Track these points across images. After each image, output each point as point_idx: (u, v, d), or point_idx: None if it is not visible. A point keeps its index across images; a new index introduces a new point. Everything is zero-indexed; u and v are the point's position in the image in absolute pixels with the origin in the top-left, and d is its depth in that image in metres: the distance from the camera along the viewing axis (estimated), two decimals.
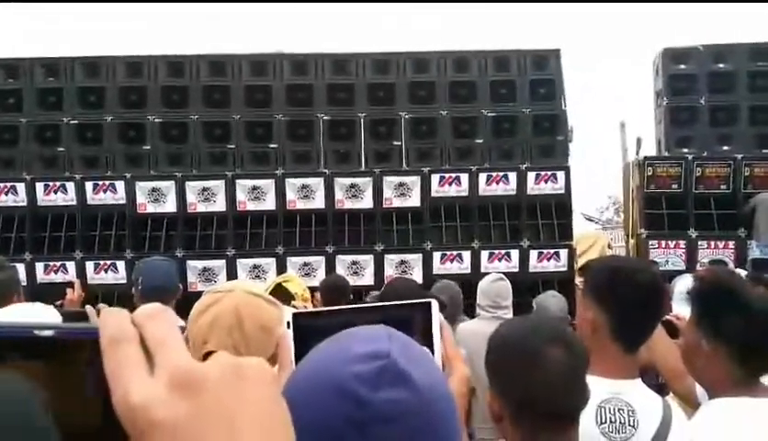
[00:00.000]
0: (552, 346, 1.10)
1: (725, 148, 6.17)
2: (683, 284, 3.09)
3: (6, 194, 5.76)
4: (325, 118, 5.98)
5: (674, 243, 5.95)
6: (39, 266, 5.63)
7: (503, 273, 5.58)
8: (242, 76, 6.01)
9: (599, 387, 1.39)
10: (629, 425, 1.36)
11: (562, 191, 5.88)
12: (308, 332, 0.73)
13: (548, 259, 5.83)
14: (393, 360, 0.57)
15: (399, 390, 0.56)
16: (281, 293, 2.52)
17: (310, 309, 0.96)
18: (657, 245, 5.97)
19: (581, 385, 1.11)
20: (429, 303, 0.77)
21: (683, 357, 1.68)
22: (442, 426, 0.59)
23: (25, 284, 5.47)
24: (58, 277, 5.58)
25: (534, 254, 5.82)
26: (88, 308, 1.73)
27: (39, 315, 0.97)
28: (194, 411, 0.34)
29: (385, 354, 0.57)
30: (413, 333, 0.75)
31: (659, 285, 1.52)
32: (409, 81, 6.06)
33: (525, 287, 5.64)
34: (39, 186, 5.76)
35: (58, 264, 5.62)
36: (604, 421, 1.37)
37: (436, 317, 0.77)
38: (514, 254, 5.81)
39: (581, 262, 5.85)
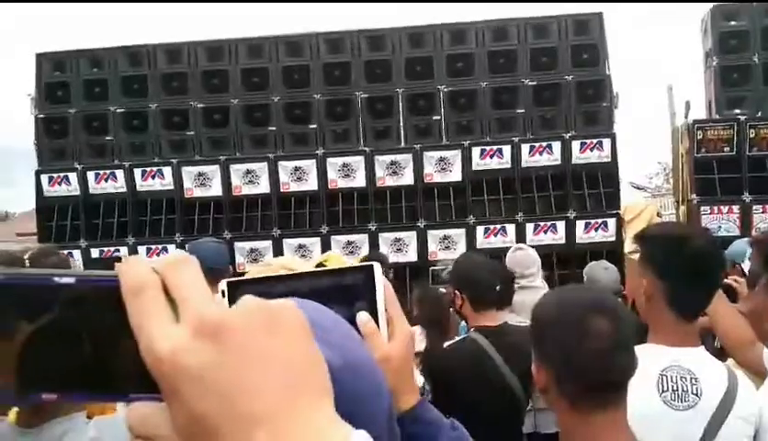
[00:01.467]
0: (597, 316, 1.08)
1: None
2: (739, 249, 3.00)
3: (60, 184, 5.98)
4: (363, 95, 5.96)
5: (727, 208, 5.75)
6: (95, 252, 5.85)
7: (550, 245, 5.56)
8: (279, 58, 6.02)
9: (660, 355, 1.37)
10: (692, 394, 1.33)
11: (608, 159, 5.73)
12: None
13: (596, 229, 5.72)
14: (310, 315, 0.58)
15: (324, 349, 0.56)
16: None
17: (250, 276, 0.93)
18: (709, 211, 5.78)
19: (627, 354, 1.09)
20: (371, 266, 0.76)
21: (751, 322, 1.64)
22: (361, 389, 0.58)
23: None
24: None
25: (580, 224, 5.71)
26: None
27: None
28: (221, 357, 0.34)
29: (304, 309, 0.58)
30: (358, 296, 0.74)
31: (713, 251, 1.49)
32: (446, 53, 5.96)
33: (573, 258, 5.57)
34: (91, 175, 5.95)
35: (112, 249, 5.82)
36: (666, 389, 1.34)
37: (380, 279, 0.75)
38: (560, 225, 5.72)
39: (628, 231, 5.71)
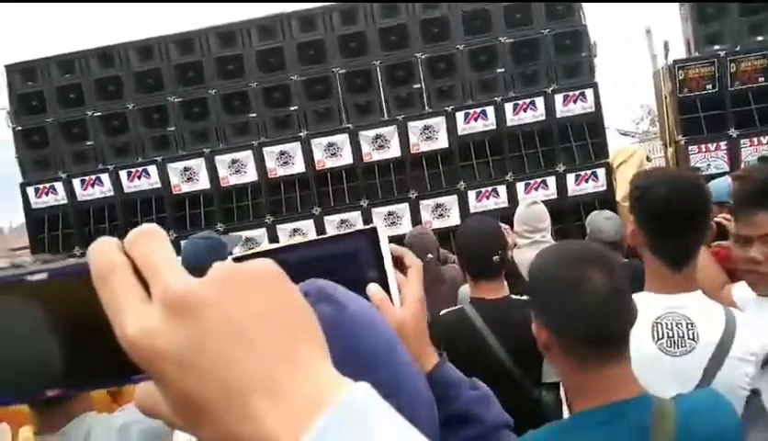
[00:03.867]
0: (593, 270, 1.08)
1: (759, 38, 5.85)
2: (720, 187, 3.00)
3: (47, 194, 5.93)
4: (341, 71, 5.90)
5: (714, 145, 5.76)
6: (77, 183, 5.86)
7: (542, 201, 5.57)
8: (252, 43, 5.94)
9: (653, 303, 1.38)
10: (689, 339, 1.34)
11: (592, 109, 5.71)
12: None
13: (587, 180, 5.73)
14: (320, 287, 0.59)
15: (321, 306, 0.57)
16: None
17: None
18: (697, 150, 5.80)
19: (625, 306, 1.10)
20: (374, 229, 0.74)
21: (734, 259, 1.65)
22: (375, 344, 0.58)
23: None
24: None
25: (571, 177, 5.72)
26: None
27: None
28: (197, 331, 0.32)
29: (316, 285, 0.59)
30: (363, 261, 0.74)
31: (680, 198, 1.41)
32: (420, 19, 5.89)
33: (567, 212, 5.59)
34: (77, 182, 5.91)
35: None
36: (661, 336, 1.36)
37: (385, 242, 0.74)
38: (551, 180, 5.73)
39: (618, 177, 5.72)
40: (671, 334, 1.35)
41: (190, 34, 6.03)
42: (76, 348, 0.36)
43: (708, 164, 5.73)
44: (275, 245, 0.81)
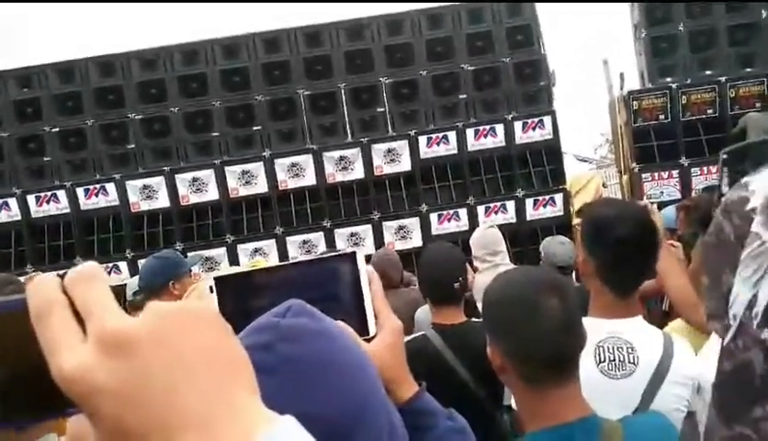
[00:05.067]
0: (547, 295, 1.13)
1: (708, 72, 6.13)
2: (670, 214, 3.13)
3: (0, 210, 5.76)
4: (306, 92, 5.93)
5: (667, 173, 5.97)
6: (31, 200, 5.69)
7: (501, 225, 5.66)
8: (216, 62, 5.93)
9: (597, 328, 1.43)
10: (629, 362, 1.39)
11: (551, 136, 5.87)
12: (237, 293, 0.72)
13: (544, 206, 5.86)
14: (300, 304, 0.61)
15: (303, 319, 0.60)
16: None
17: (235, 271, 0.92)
18: (650, 178, 5.99)
19: (577, 330, 1.15)
20: (354, 254, 0.75)
21: (692, 282, 1.71)
22: (350, 360, 0.60)
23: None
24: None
25: (529, 202, 5.85)
26: None
27: None
28: (130, 371, 0.33)
29: (296, 303, 0.62)
30: (341, 285, 0.75)
31: (642, 232, 1.49)
32: (385, 45, 5.99)
33: (525, 236, 5.71)
34: (31, 198, 5.76)
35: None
36: (603, 360, 1.40)
37: (363, 268, 0.75)
38: (510, 205, 5.85)
39: (576, 203, 5.89)
40: (612, 358, 1.40)
41: (154, 51, 5.99)
42: (11, 383, 0.37)
43: (661, 192, 5.94)
44: (258, 267, 0.82)
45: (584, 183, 6.11)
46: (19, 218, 5.75)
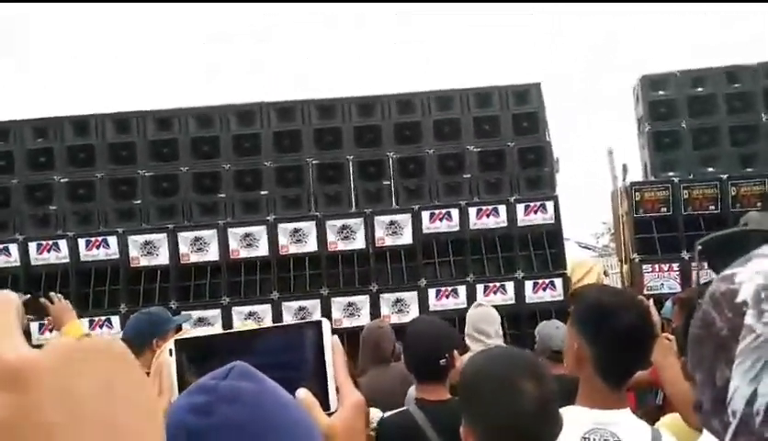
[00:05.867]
0: (523, 379, 1.11)
1: (710, 169, 6.24)
2: (668, 307, 3.10)
3: (0, 254, 5.77)
4: (314, 162, 6.05)
5: (668, 266, 5.97)
6: (34, 327, 5.59)
7: (500, 305, 5.60)
8: (229, 127, 6.09)
9: (584, 417, 1.39)
10: None
11: (552, 221, 5.92)
12: (196, 357, 0.70)
13: (544, 289, 5.83)
14: (244, 367, 0.60)
15: (244, 382, 0.58)
16: None
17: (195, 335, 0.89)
18: (651, 269, 5.99)
19: (552, 415, 1.12)
20: (320, 322, 0.73)
21: (684, 374, 1.68)
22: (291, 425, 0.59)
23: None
24: (53, 336, 5.55)
25: (529, 284, 5.82)
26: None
27: None
28: (24, 405, 0.31)
29: (239, 365, 0.60)
30: (304, 354, 0.72)
31: (641, 325, 1.49)
32: (394, 122, 6.16)
33: (523, 318, 5.65)
34: (32, 246, 5.78)
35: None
36: None
37: (328, 337, 0.73)
38: (509, 285, 5.82)
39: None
40: None
41: (169, 112, 6.17)
42: None
43: (662, 284, 5.92)
44: (223, 331, 0.82)
45: (586, 270, 6.09)
46: (18, 264, 5.75)
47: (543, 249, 5.89)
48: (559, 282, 5.81)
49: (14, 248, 5.78)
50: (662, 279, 5.95)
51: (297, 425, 0.60)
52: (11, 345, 0.32)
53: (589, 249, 11.84)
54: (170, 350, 0.71)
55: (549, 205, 5.91)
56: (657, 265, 5.97)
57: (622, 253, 6.40)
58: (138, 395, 0.35)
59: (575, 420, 1.14)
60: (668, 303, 3.67)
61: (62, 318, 2.56)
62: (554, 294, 5.82)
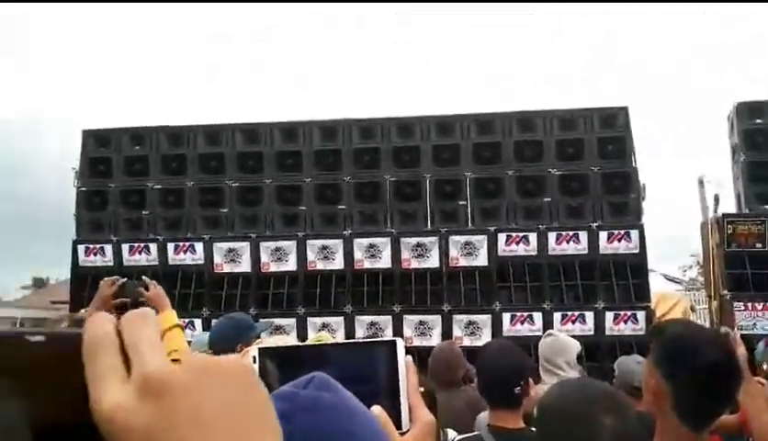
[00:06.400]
0: (604, 414, 1.07)
1: None
2: (761, 350, 2.90)
3: (95, 254, 6.15)
4: (392, 179, 6.11)
5: (761, 305, 5.60)
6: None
7: (578, 336, 5.43)
8: (312, 142, 6.26)
9: None
10: None
11: (637, 250, 5.69)
12: (277, 365, 0.73)
13: (625, 321, 5.60)
14: (324, 377, 0.61)
15: (324, 392, 0.59)
16: None
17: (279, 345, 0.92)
18: (743, 307, 5.64)
19: None
20: (395, 342, 0.74)
21: None
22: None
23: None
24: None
25: (609, 316, 5.61)
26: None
27: None
28: (163, 415, 0.34)
29: (319, 376, 0.62)
30: (378, 372, 0.73)
31: (727, 364, 1.39)
32: (473, 142, 6.14)
33: (603, 351, 5.42)
34: (125, 248, 6.13)
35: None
36: None
37: (402, 357, 0.73)
38: (589, 316, 5.63)
39: None
40: None
41: (255, 126, 6.42)
42: (59, 414, 0.39)
43: (754, 323, 5.55)
44: (300, 344, 0.88)
45: (671, 304, 5.82)
46: (111, 264, 6.10)
47: (626, 279, 5.66)
48: (641, 315, 5.57)
49: (108, 249, 6.15)
50: (755, 319, 5.59)
51: (372, 437, 0.61)
52: (157, 360, 0.36)
53: (675, 282, 11.27)
54: (253, 357, 0.74)
55: (634, 233, 5.69)
56: (750, 303, 5.62)
57: (711, 288, 6.06)
58: (261, 414, 0.38)
59: None
60: (760, 345, 3.43)
61: (158, 304, 2.66)
62: (635, 328, 5.58)
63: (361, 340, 0.85)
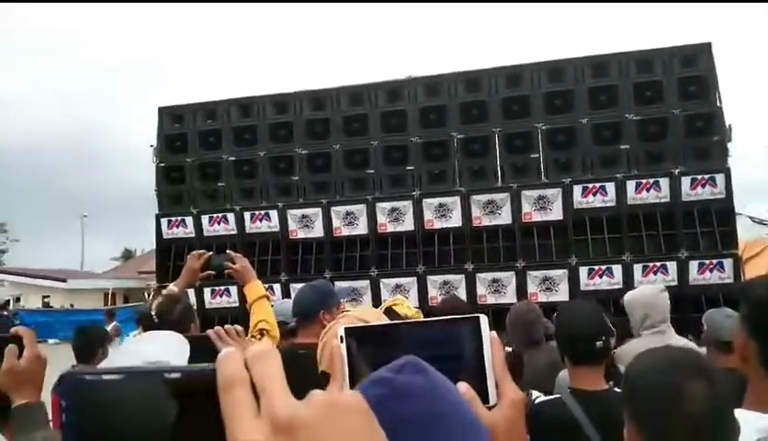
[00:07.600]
0: (694, 381, 1.03)
1: None
2: None
3: (177, 227, 6.48)
4: (459, 136, 6.01)
5: None
6: (207, 292, 6.24)
7: None
8: (378, 104, 6.23)
9: (755, 423, 1.26)
10: None
11: (723, 195, 5.36)
12: (363, 344, 0.76)
13: (711, 270, 5.33)
14: (416, 361, 0.63)
15: (418, 377, 0.61)
16: (393, 315, 2.57)
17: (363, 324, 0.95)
18: None
19: (726, 421, 1.03)
20: (478, 318, 0.74)
21: None
22: (458, 419, 0.61)
23: (196, 308, 6.15)
24: (223, 302, 6.16)
25: (694, 265, 5.35)
26: (210, 332, 1.92)
27: (175, 344, 1.14)
28: None
29: (412, 360, 0.63)
30: (464, 349, 0.74)
31: None
32: (544, 91, 5.90)
33: (687, 302, 5.21)
34: (205, 219, 6.41)
35: (222, 289, 6.19)
36: None
37: (486, 332, 0.73)
38: (671, 266, 5.39)
39: (747, 270, 5.27)
40: None
41: (321, 92, 6.46)
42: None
43: None
44: (386, 322, 0.92)
45: (759, 249, 5.46)
46: (193, 235, 6.41)
47: (711, 226, 5.36)
48: (728, 263, 5.28)
49: (189, 220, 6.45)
50: None
51: (466, 421, 0.63)
52: (286, 402, 0.41)
53: (764, 224, 10.54)
54: (341, 337, 0.77)
55: (720, 178, 5.35)
56: None
57: None
58: None
59: (743, 424, 1.04)
60: None
61: (245, 276, 2.78)
62: (722, 276, 5.30)
63: (443, 318, 0.87)
